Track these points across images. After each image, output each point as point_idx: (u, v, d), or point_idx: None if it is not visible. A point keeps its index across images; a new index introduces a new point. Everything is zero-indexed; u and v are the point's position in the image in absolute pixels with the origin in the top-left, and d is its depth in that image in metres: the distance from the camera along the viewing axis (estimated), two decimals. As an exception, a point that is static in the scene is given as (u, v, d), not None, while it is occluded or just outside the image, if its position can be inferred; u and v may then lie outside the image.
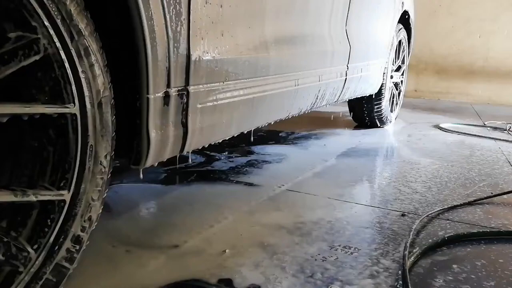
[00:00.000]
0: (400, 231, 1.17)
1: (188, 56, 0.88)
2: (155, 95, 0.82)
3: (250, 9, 1.08)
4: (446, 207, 1.35)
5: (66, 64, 0.63)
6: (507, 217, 1.31)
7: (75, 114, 0.65)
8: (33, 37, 0.58)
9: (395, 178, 1.71)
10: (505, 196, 1.48)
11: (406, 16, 2.92)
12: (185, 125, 0.93)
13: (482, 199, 1.44)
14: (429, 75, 5.26)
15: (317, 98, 1.63)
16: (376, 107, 2.77)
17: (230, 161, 1.87)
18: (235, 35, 1.03)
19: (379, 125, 2.92)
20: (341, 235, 1.13)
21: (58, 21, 0.60)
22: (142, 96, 0.80)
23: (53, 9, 0.60)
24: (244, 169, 1.75)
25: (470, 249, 1.08)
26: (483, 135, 2.72)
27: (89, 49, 0.65)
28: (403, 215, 1.29)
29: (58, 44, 0.61)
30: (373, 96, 2.68)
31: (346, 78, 1.88)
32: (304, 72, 1.44)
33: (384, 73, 2.65)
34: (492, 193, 1.51)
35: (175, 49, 0.83)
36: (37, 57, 0.59)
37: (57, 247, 0.66)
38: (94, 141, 0.68)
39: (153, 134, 0.84)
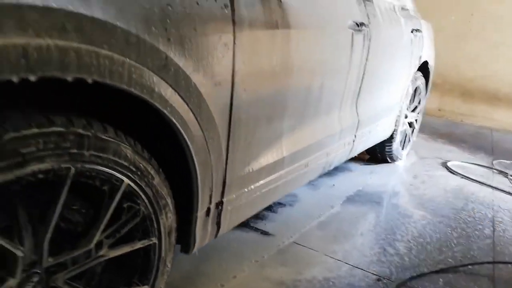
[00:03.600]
0: (371, 297, 1.56)
1: (224, 180, 1.29)
2: (201, 212, 1.24)
3: (271, 135, 1.46)
4: (415, 274, 1.73)
5: (152, 217, 1.05)
6: (461, 289, 1.67)
7: (155, 243, 1.08)
8: (137, 208, 1.01)
9: (385, 235, 2.08)
10: (469, 266, 1.83)
11: (425, 63, 3.15)
12: (218, 223, 1.35)
13: (448, 268, 1.80)
14: (454, 96, 5.41)
15: (324, 168, 2.00)
16: (387, 148, 3.08)
17: (252, 203, 2.28)
18: (259, 157, 1.42)
19: (389, 161, 3.24)
20: (325, 297, 1.54)
21: (151, 195, 1.02)
22: (193, 214, 1.22)
23: (148, 190, 1.01)
24: (262, 213, 2.17)
25: (418, 320, 1.46)
26: (484, 182, 2.99)
27: (166, 202, 1.07)
28: (378, 279, 1.68)
29: (150, 209, 1.03)
30: (385, 140, 2.98)
31: (353, 145, 2.22)
32: (313, 155, 1.81)
33: (396, 120, 2.94)
34: (461, 261, 1.86)
35: (216, 184, 1.24)
36: (137, 220, 1.02)
37: (139, 318, 1.11)
38: (165, 255, 1.12)
39: (198, 235, 1.26)
